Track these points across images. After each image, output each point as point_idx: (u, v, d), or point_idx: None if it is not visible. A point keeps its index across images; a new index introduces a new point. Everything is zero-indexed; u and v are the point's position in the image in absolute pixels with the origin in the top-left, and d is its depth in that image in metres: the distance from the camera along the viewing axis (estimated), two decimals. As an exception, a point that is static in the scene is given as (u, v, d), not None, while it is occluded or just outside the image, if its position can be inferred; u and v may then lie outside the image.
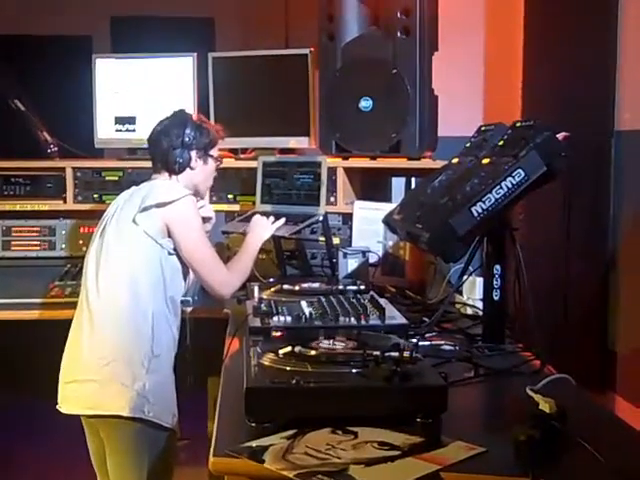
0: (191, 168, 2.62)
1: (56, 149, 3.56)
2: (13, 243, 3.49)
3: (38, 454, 3.79)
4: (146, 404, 2.33)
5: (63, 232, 3.49)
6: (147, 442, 2.36)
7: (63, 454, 3.59)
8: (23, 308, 2.99)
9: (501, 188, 2.05)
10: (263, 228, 2.83)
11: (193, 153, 2.62)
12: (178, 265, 2.53)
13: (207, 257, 2.55)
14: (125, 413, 2.32)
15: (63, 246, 3.48)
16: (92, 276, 2.47)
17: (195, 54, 3.53)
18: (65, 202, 3.47)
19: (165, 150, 2.59)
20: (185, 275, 2.59)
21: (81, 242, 3.40)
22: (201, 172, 2.66)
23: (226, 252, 3.23)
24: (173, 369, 2.50)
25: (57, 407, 2.44)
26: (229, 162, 3.51)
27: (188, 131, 2.61)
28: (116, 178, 3.44)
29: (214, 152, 2.71)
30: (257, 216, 2.89)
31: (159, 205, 2.45)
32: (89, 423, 2.48)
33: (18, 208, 3.49)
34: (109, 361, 2.34)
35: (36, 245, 3.50)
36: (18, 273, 3.32)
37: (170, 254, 2.49)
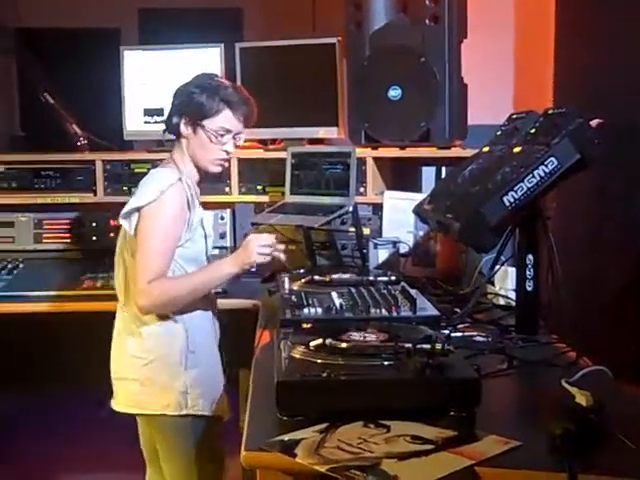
0: (182, 135, 2.36)
1: (86, 142, 3.57)
2: (44, 236, 3.51)
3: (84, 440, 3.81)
4: (188, 399, 2.33)
5: (93, 224, 3.50)
6: (193, 434, 2.37)
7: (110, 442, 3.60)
8: (55, 300, 3.00)
9: (533, 177, 2.02)
10: (243, 259, 2.30)
11: (182, 118, 2.33)
12: (193, 254, 2.34)
13: (148, 254, 2.21)
14: (168, 412, 2.33)
15: (94, 238, 3.49)
16: (117, 275, 2.41)
17: (222, 45, 3.52)
18: (95, 195, 3.49)
19: (168, 112, 2.39)
20: (208, 260, 2.43)
21: (112, 234, 3.41)
22: (193, 143, 2.34)
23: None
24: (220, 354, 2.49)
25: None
26: (258, 153, 3.51)
27: (185, 91, 2.33)
28: (145, 170, 3.43)
29: (209, 123, 2.31)
30: (251, 236, 2.40)
31: (136, 209, 2.26)
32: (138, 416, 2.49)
33: (49, 201, 3.51)
34: (148, 362, 2.33)
35: (67, 238, 3.52)
36: (49, 266, 3.34)
37: (178, 246, 2.31)
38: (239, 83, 3.52)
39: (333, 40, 3.36)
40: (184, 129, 2.34)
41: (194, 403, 2.34)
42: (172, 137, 2.42)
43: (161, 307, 2.26)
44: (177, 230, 2.27)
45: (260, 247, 2.30)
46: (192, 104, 2.31)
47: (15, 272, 3.23)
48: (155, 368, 2.33)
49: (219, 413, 2.44)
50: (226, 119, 2.33)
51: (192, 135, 2.34)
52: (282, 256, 2.38)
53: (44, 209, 3.53)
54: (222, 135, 2.33)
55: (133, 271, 2.27)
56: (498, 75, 3.88)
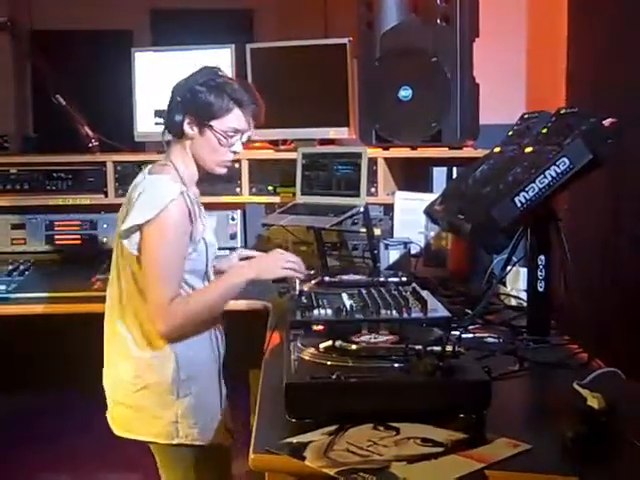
0: (185, 136, 2.21)
1: (97, 143, 3.58)
2: (56, 237, 3.52)
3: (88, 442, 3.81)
4: (180, 429, 2.22)
5: (105, 226, 3.51)
6: (188, 463, 2.26)
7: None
8: (66, 302, 3.00)
9: (545, 177, 2.00)
10: (266, 268, 2.29)
11: (186, 118, 2.18)
12: (195, 265, 2.23)
13: (159, 277, 2.12)
14: (160, 440, 2.23)
15: (104, 240, 3.49)
16: (112, 289, 2.29)
17: (233, 45, 3.52)
18: (106, 196, 3.49)
19: (167, 108, 2.22)
20: (202, 274, 2.27)
21: (123, 236, 3.42)
22: (198, 144, 2.21)
23: (267, 244, 3.22)
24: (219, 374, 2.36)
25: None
26: (269, 153, 3.50)
27: (190, 88, 2.17)
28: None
29: (218, 124, 2.19)
30: (277, 250, 2.41)
31: (134, 228, 2.13)
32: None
33: (60, 202, 3.52)
34: (138, 388, 2.22)
35: (78, 239, 3.52)
36: (60, 267, 3.34)
37: None
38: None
39: (344, 40, 3.35)
40: (188, 129, 2.19)
41: (186, 432, 2.22)
42: (169, 137, 2.27)
43: (180, 329, 2.17)
44: (183, 246, 2.16)
45: (287, 262, 2.29)
46: (198, 103, 2.17)
47: (27, 273, 3.24)
48: (145, 395, 2.22)
49: (217, 441, 2.29)
50: (236, 119, 2.20)
51: (198, 136, 2.20)
52: (298, 281, 2.29)
53: (55, 210, 3.54)
54: (231, 136, 2.21)
55: (132, 290, 2.19)
56: (510, 74, 3.86)
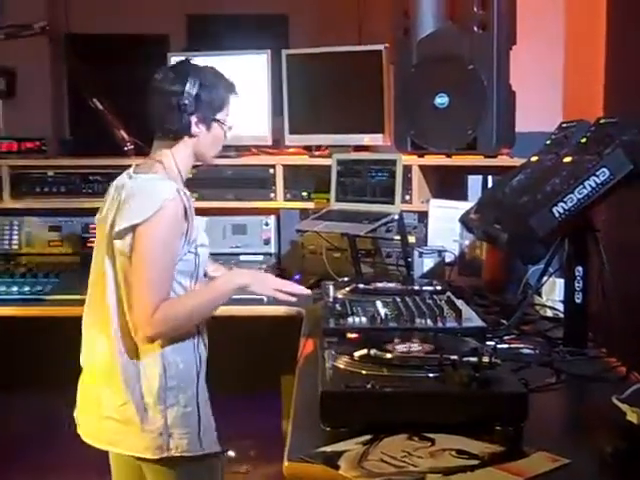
0: (190, 135, 2.19)
1: (132, 147, 3.60)
2: (90, 240, 3.55)
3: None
4: (170, 441, 2.12)
5: (139, 229, 3.52)
6: (181, 476, 2.17)
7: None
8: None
9: (584, 188, 1.98)
10: (260, 281, 2.26)
11: (193, 117, 2.16)
12: (191, 267, 2.17)
13: (149, 280, 2.04)
14: (149, 456, 2.12)
15: (139, 243, 3.51)
16: (102, 293, 2.17)
17: (269, 51, 3.52)
18: (141, 199, 3.50)
19: (160, 111, 2.15)
20: (193, 274, 2.19)
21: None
22: (204, 140, 2.21)
23: (301, 250, 3.22)
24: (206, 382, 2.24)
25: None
26: (303, 159, 3.51)
27: (187, 89, 2.13)
28: (190, 175, 3.46)
29: (222, 116, 2.22)
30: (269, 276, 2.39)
31: (132, 227, 2.06)
32: (116, 457, 2.30)
33: (96, 205, 3.53)
34: (124, 402, 2.11)
35: (113, 242, 3.54)
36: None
37: None
38: (285, 90, 3.54)
39: (380, 47, 3.34)
40: (195, 128, 2.17)
41: (177, 444, 2.12)
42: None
43: (167, 333, 2.09)
44: (176, 247, 2.10)
45: (280, 285, 2.26)
46: (203, 101, 2.16)
47: (62, 275, 3.27)
48: (130, 409, 2.11)
49: (209, 451, 2.20)
50: (230, 105, 2.25)
51: (205, 132, 2.20)
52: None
53: (91, 213, 3.56)
54: (229, 126, 2.26)
55: (123, 294, 2.11)
56: (546, 81, 3.83)
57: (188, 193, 2.19)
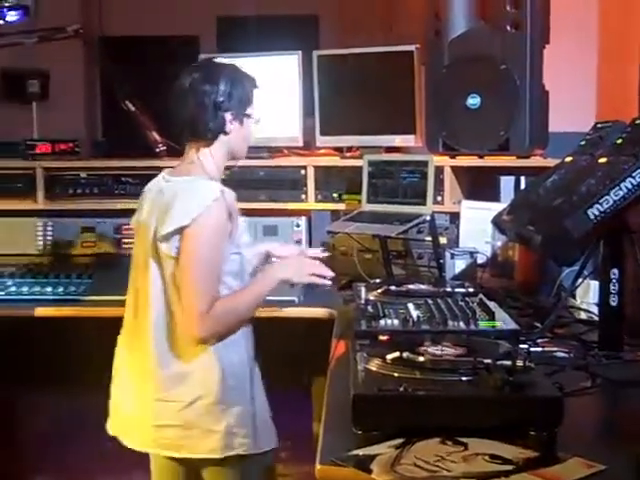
0: (225, 133, 2.19)
1: (164, 148, 3.62)
2: (123, 241, 3.57)
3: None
4: (235, 440, 2.14)
5: (171, 230, 3.54)
6: (243, 473, 2.20)
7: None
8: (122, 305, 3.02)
9: (620, 189, 1.95)
10: (296, 271, 2.28)
11: (227, 115, 2.17)
12: (238, 267, 2.21)
13: (198, 280, 2.07)
14: (215, 456, 2.14)
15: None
16: (134, 293, 2.24)
17: (300, 52, 3.52)
18: (173, 201, 3.52)
19: (193, 112, 2.16)
20: (238, 275, 2.21)
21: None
22: (237, 136, 2.22)
23: (332, 252, 3.21)
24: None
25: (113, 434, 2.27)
26: (334, 160, 3.50)
27: (222, 87, 2.15)
28: (223, 176, 3.48)
29: (251, 110, 2.24)
30: (302, 255, 2.45)
31: (179, 229, 2.08)
32: (167, 464, 2.28)
33: (128, 206, 3.56)
34: (184, 405, 2.12)
35: (145, 243, 3.56)
36: (128, 270, 3.39)
37: None
38: (316, 91, 3.53)
39: (411, 48, 3.33)
40: (230, 125, 2.19)
41: (240, 442, 2.15)
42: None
43: (222, 333, 2.13)
44: (223, 248, 2.12)
45: (314, 268, 2.29)
46: (234, 98, 2.17)
47: (95, 276, 3.29)
48: (193, 411, 2.12)
49: (269, 447, 2.24)
50: (255, 97, 2.27)
51: (238, 128, 2.21)
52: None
53: (123, 214, 3.59)
54: (257, 118, 2.29)
55: (172, 298, 2.12)
56: (580, 80, 3.79)
57: (233, 194, 2.21)
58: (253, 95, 2.25)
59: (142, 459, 2.30)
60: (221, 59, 2.31)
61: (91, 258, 3.51)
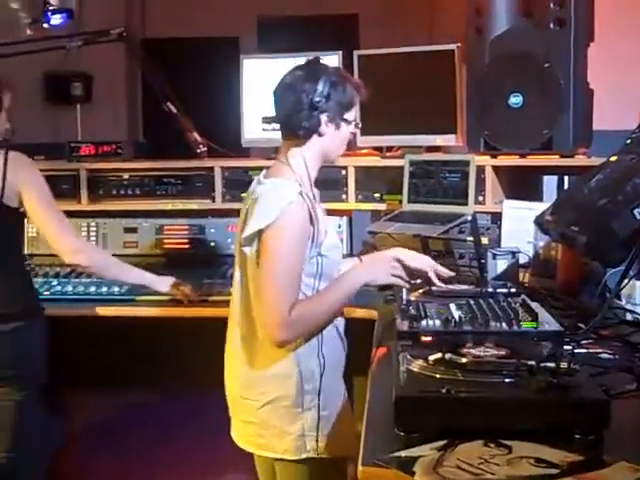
0: (319, 134, 2.18)
1: (205, 149, 3.65)
2: (165, 241, 3.60)
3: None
4: (308, 443, 2.18)
5: (212, 230, 3.57)
6: (314, 477, 2.22)
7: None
8: (173, 305, 3.05)
9: (667, 188, 1.92)
10: (379, 272, 2.30)
11: (323, 116, 2.16)
12: (324, 269, 2.19)
13: (278, 283, 2.08)
14: (288, 457, 2.19)
15: (212, 244, 3.55)
16: (236, 296, 2.28)
17: (340, 52, 3.52)
18: (214, 201, 3.56)
19: (290, 110, 2.16)
20: (316, 276, 2.20)
21: (229, 240, 3.47)
22: (332, 139, 2.21)
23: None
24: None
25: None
26: (375, 160, 3.49)
27: (320, 88, 2.13)
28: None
29: (349, 115, 2.23)
30: (386, 254, 2.37)
31: (258, 232, 2.11)
32: (258, 460, 2.39)
33: (170, 207, 3.60)
34: (262, 404, 2.19)
35: (186, 243, 3.59)
36: (170, 270, 3.41)
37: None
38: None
39: (452, 46, 3.31)
40: (325, 127, 2.18)
41: (313, 446, 2.18)
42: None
43: (303, 336, 2.15)
44: (302, 250, 2.12)
45: (396, 270, 2.29)
46: (333, 100, 2.16)
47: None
48: (269, 412, 2.19)
49: (344, 453, 2.23)
50: (357, 104, 2.27)
51: (333, 131, 2.20)
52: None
53: (165, 215, 3.63)
54: (356, 124, 2.30)
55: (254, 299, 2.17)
56: (625, 78, 3.74)
57: (317, 196, 2.24)
58: (355, 101, 2.24)
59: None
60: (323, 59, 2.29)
61: (134, 258, 3.54)
